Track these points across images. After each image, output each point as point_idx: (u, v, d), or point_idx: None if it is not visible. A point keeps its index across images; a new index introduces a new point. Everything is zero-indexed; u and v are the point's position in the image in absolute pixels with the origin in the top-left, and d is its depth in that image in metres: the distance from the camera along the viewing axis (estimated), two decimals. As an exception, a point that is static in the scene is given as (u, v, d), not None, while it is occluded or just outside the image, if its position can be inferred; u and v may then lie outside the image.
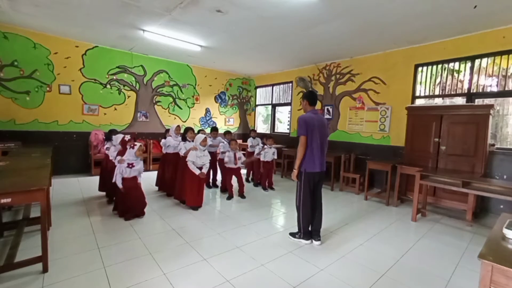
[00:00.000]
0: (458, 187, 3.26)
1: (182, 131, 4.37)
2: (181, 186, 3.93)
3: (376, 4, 3.43)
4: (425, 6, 3.43)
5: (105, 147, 4.05)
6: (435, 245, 2.98)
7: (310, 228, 2.90)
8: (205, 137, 3.77)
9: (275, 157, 5.22)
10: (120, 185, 3.26)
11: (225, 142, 4.87)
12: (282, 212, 3.93)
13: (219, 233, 3.05)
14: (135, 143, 3.38)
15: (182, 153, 3.92)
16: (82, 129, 5.85)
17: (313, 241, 2.86)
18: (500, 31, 4.03)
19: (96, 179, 5.36)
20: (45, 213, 2.09)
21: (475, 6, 3.38)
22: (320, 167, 2.81)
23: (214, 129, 5.14)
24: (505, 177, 3.97)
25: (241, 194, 4.54)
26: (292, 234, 2.98)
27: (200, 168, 3.72)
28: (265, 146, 5.13)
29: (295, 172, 2.81)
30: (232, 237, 2.95)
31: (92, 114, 5.96)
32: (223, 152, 4.72)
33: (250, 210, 3.94)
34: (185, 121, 7.49)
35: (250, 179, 5.80)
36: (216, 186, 5.16)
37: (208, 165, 3.87)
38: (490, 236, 1.44)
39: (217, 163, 5.04)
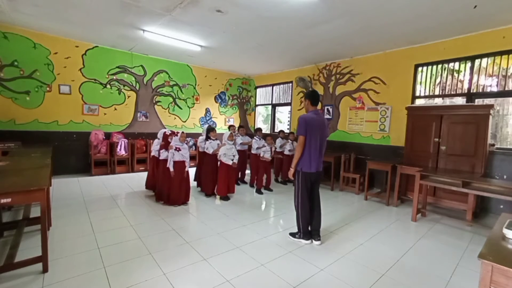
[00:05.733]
0: (458, 187, 3.26)
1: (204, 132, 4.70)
2: (213, 180, 4.48)
3: (376, 5, 3.43)
4: (425, 7, 3.43)
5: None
6: (435, 245, 2.98)
7: (309, 228, 2.90)
8: (231, 133, 4.40)
9: (232, 156, 4.31)
10: (171, 168, 3.77)
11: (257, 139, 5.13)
12: (282, 212, 3.93)
13: (219, 233, 3.05)
14: (177, 131, 4.03)
15: (210, 151, 4.35)
16: (82, 129, 5.85)
17: (313, 241, 2.86)
18: (500, 31, 4.03)
19: (96, 179, 5.41)
20: (45, 213, 2.08)
21: (475, 6, 3.38)
22: (317, 167, 2.82)
23: (241, 126, 5.53)
24: (505, 177, 3.97)
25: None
26: (292, 234, 2.98)
27: (232, 159, 4.30)
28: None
29: (291, 170, 2.85)
30: (232, 237, 2.95)
31: (92, 114, 5.96)
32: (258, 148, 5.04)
33: (250, 210, 3.94)
34: (185, 121, 7.50)
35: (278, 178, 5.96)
36: (245, 183, 5.51)
37: (237, 156, 4.41)
38: (490, 236, 1.44)
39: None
